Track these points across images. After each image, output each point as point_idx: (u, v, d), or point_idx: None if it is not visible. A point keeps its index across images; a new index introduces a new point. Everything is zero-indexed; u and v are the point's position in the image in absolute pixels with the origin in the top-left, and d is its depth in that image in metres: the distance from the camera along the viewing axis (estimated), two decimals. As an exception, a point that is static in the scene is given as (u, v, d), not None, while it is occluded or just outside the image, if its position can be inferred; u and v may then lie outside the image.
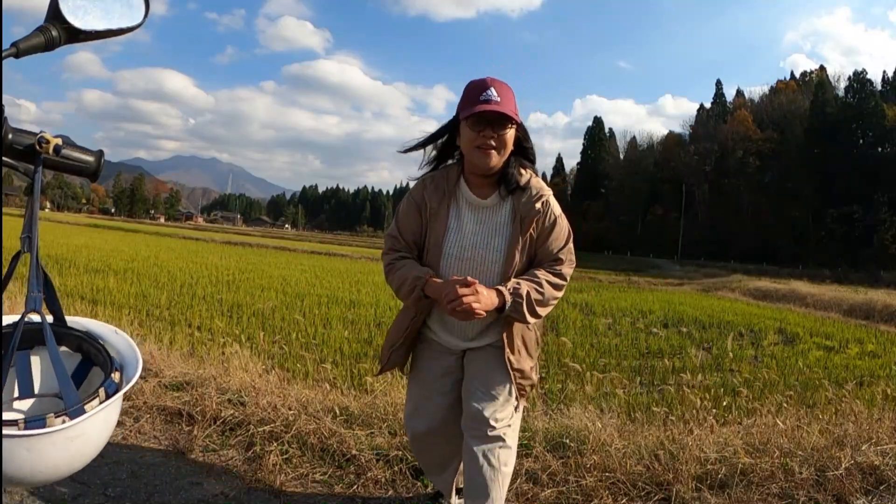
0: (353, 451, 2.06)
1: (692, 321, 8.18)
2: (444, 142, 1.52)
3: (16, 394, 0.91)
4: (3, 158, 0.81)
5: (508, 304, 1.38)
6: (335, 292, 8.32)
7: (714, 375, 4.50)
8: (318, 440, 2.12)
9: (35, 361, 0.94)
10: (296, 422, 2.22)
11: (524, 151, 1.49)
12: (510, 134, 1.41)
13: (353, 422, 2.30)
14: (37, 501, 1.66)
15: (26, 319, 0.85)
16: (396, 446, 2.10)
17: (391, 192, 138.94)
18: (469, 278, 1.35)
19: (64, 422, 0.76)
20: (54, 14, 0.76)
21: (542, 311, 1.44)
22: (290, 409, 2.33)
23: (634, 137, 74.16)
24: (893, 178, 42.15)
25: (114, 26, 0.81)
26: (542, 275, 1.45)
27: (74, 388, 0.83)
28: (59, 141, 0.84)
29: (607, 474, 2.00)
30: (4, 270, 0.84)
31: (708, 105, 66.90)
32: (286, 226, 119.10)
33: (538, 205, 1.45)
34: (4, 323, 0.83)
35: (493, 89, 1.37)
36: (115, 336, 0.98)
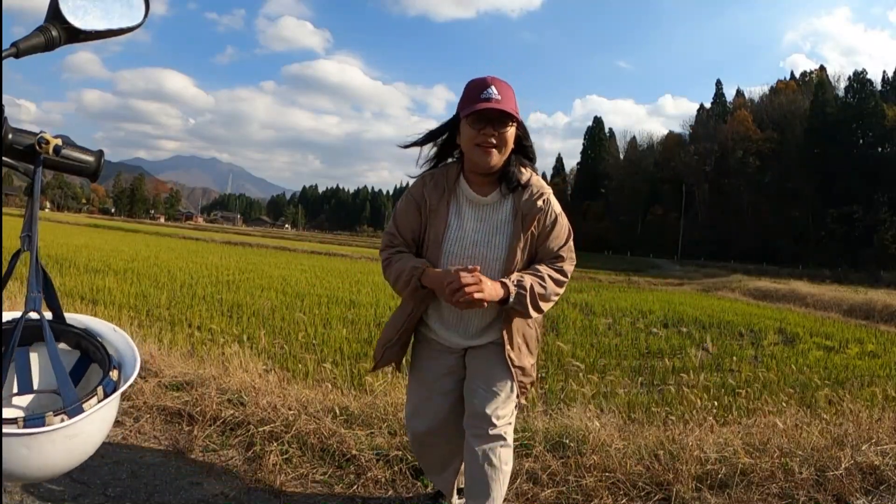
0: (353, 451, 2.06)
1: (692, 321, 8.18)
2: (444, 140, 1.52)
3: (15, 389, 0.92)
4: (3, 158, 0.81)
5: (513, 295, 1.38)
6: (335, 292, 8.32)
7: (714, 375, 4.50)
8: (318, 440, 2.12)
9: (34, 357, 0.94)
10: (296, 422, 2.22)
11: (524, 150, 1.49)
12: (511, 132, 1.41)
13: (353, 422, 2.30)
14: (37, 502, 1.65)
15: (26, 318, 0.85)
16: (396, 446, 2.10)
17: (391, 192, 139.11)
18: (471, 266, 1.35)
19: (62, 420, 0.76)
20: (54, 14, 0.76)
21: (545, 306, 1.45)
22: (290, 409, 2.33)
23: (634, 137, 74.26)
24: (893, 178, 42.14)
25: (114, 26, 0.81)
26: (545, 270, 1.45)
27: (73, 386, 0.83)
28: (59, 141, 0.84)
29: (607, 474, 2.00)
30: (4, 269, 0.84)
31: (708, 105, 67.02)
32: (286, 226, 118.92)
33: (539, 202, 1.45)
34: (4, 320, 0.84)
35: (493, 87, 1.36)
36: (113, 334, 0.98)
